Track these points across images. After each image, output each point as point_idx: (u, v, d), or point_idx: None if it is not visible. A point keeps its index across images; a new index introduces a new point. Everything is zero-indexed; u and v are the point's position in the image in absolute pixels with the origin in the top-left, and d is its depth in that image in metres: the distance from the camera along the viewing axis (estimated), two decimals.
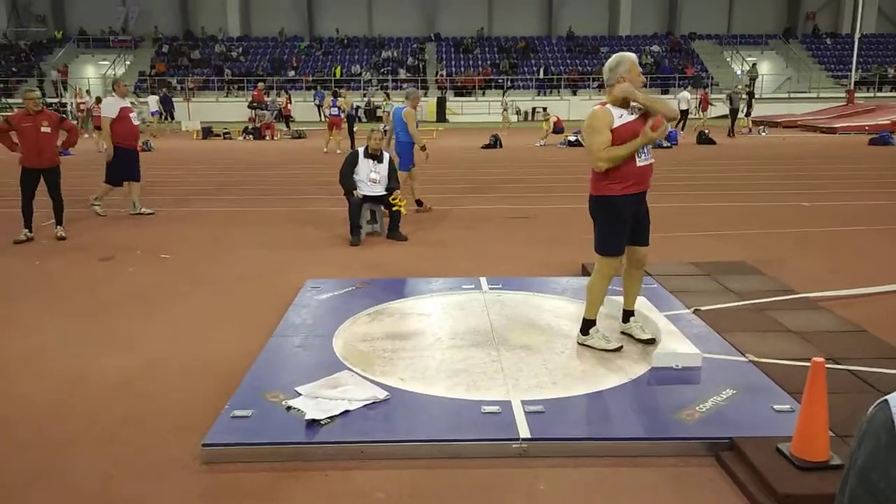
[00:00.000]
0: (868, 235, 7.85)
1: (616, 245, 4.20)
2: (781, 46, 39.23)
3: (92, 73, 36.32)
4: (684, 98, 23.88)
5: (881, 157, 16.82)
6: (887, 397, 0.98)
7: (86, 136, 21.21)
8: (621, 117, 4.03)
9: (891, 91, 34.94)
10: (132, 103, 9.93)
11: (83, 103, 25.01)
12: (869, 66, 36.34)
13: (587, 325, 4.34)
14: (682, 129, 22.80)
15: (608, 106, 4.09)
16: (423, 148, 9.26)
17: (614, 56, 4.16)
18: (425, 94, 34.39)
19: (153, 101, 27.41)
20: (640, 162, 4.03)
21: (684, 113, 23.61)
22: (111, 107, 9.01)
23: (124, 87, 9.49)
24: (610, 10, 41.42)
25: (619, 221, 4.14)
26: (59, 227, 7.85)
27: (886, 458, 0.92)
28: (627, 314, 4.51)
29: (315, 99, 31.39)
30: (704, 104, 26.28)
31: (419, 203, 9.46)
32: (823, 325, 4.65)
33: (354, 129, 19.25)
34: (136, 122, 9.47)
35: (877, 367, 3.89)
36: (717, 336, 4.45)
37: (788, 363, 3.98)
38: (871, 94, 34.01)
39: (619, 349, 4.20)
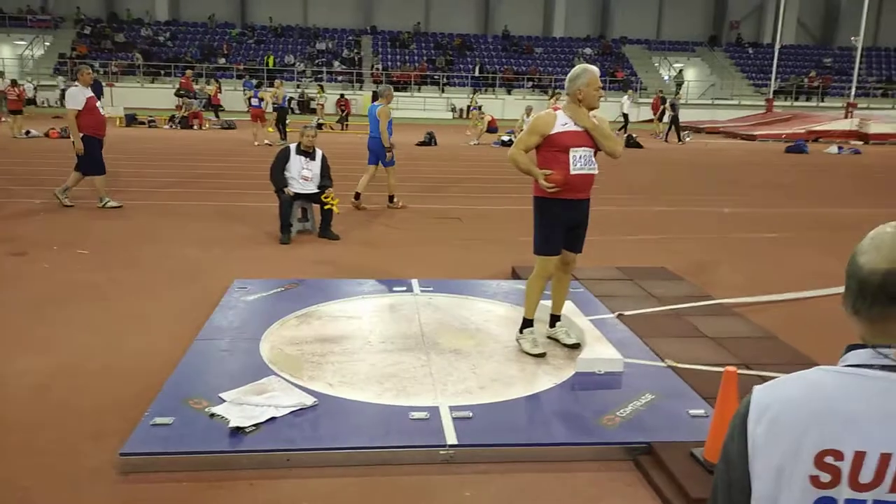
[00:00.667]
0: (782, 242, 8.25)
1: (547, 246, 4.30)
2: (707, 53, 40.72)
3: (7, 52, 34.44)
4: (625, 103, 25.06)
5: (797, 165, 17.70)
6: (754, 387, 1.14)
7: (3, 119, 20.12)
8: (564, 125, 4.13)
9: (806, 101, 36.76)
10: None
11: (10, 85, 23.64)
12: (787, 76, 38.11)
13: (523, 325, 4.46)
14: (625, 132, 23.20)
15: (558, 112, 4.19)
16: (389, 148, 9.41)
17: (577, 67, 4.26)
18: (360, 88, 34.16)
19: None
20: (575, 170, 4.13)
21: (625, 117, 24.62)
22: (76, 97, 8.54)
23: (88, 75, 8.90)
24: (545, 11, 42.03)
25: (550, 223, 4.25)
26: None
27: (733, 428, 1.12)
28: (554, 319, 4.62)
29: (245, 88, 30.61)
30: (655, 109, 26.28)
31: (391, 199, 9.70)
32: (737, 331, 4.87)
33: (287, 122, 18.91)
34: (101, 111, 9.04)
35: (785, 373, 4.10)
36: (638, 341, 4.61)
37: (704, 368, 4.16)
38: (789, 104, 35.70)
39: (541, 355, 4.29)
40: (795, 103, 35.87)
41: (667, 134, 23.89)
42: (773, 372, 4.10)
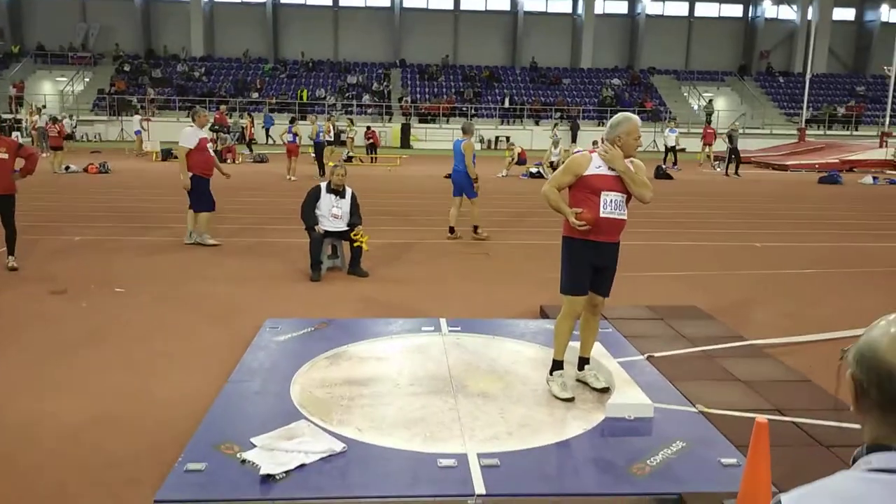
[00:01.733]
0: (816, 278, 8.13)
1: (574, 287, 4.33)
2: (736, 83, 40.59)
3: (49, 89, 35.68)
4: (670, 137, 24.30)
5: (830, 197, 17.46)
6: (781, 496, 1.07)
7: (44, 155, 20.77)
8: (598, 168, 4.20)
9: (841, 129, 36.33)
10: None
11: (35, 122, 24.51)
12: (819, 105, 37.76)
13: (553, 367, 4.46)
14: (675, 166, 23.29)
15: (594, 154, 4.27)
16: (475, 180, 9.82)
17: (619, 114, 4.34)
18: (389, 120, 34.64)
19: (136, 121, 27.04)
20: (604, 213, 4.17)
21: (672, 149, 23.99)
22: (190, 137, 8.90)
23: (204, 117, 9.37)
24: (572, 43, 42.38)
25: (576, 263, 4.29)
26: (10, 256, 7.67)
27: None
28: (583, 361, 4.60)
29: (265, 123, 30.88)
30: (709, 138, 26.26)
31: (475, 230, 10.12)
32: (770, 374, 4.80)
33: (325, 156, 19.12)
34: (212, 153, 9.41)
35: (819, 419, 4.03)
36: (668, 385, 4.56)
37: (736, 414, 4.10)
38: (822, 132, 35.31)
39: (570, 400, 4.28)
40: (828, 132, 35.47)
41: (727, 167, 22.73)
42: (807, 418, 4.03)
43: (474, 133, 10.33)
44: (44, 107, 27.28)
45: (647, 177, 4.33)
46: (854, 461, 1.14)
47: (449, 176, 19.83)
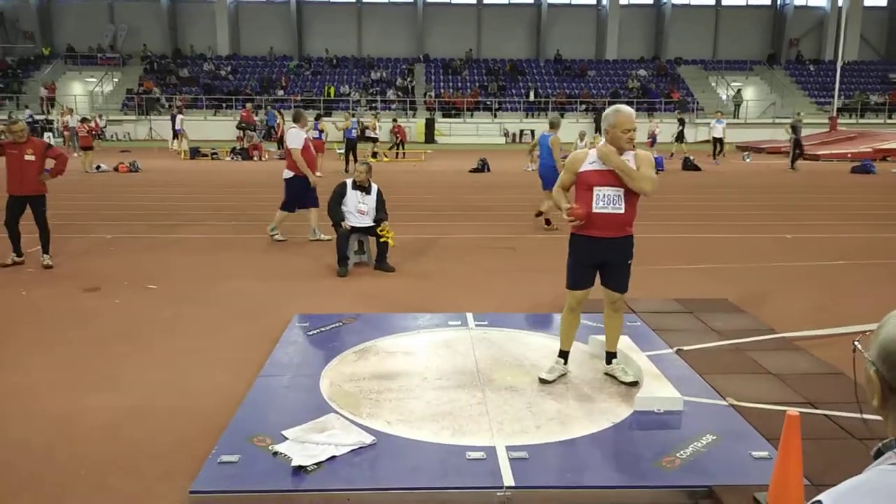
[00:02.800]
0: (848, 270, 7.99)
1: (572, 280, 4.45)
2: (766, 72, 39.91)
3: (79, 89, 36.30)
4: (716, 127, 23.37)
5: (863, 187, 17.12)
6: (821, 497, 1.06)
7: (75, 154, 21.18)
8: (592, 163, 4.25)
9: (874, 118, 35.57)
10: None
11: (67, 123, 24.96)
12: (851, 93, 37.00)
13: (559, 354, 4.58)
14: (723, 155, 23.47)
15: (591, 150, 4.29)
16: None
17: (611, 107, 4.36)
18: (413, 116, 34.67)
19: (179, 121, 27.39)
20: (597, 209, 4.21)
21: (720, 141, 23.30)
22: (297, 138, 9.11)
23: (306, 119, 9.65)
24: (597, 34, 41.99)
25: (575, 258, 4.41)
26: (45, 255, 7.84)
27: None
28: (610, 356, 4.60)
29: (268, 121, 30.05)
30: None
31: (543, 219, 10.40)
32: (801, 367, 4.74)
33: (357, 151, 19.22)
34: (313, 152, 9.65)
35: (852, 412, 3.98)
36: (698, 378, 4.53)
37: (767, 407, 4.07)
38: (854, 121, 34.61)
39: (546, 382, 4.41)
40: (861, 120, 34.76)
41: (792, 160, 21.78)
42: (839, 412, 3.98)
43: (561, 126, 10.62)
44: (72, 109, 27.69)
45: (651, 168, 4.24)
46: (878, 455, 1.13)
47: (473, 170, 19.95)
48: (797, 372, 4.64)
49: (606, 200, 4.19)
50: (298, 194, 9.25)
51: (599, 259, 4.35)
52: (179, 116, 27.25)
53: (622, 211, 4.22)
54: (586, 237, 4.28)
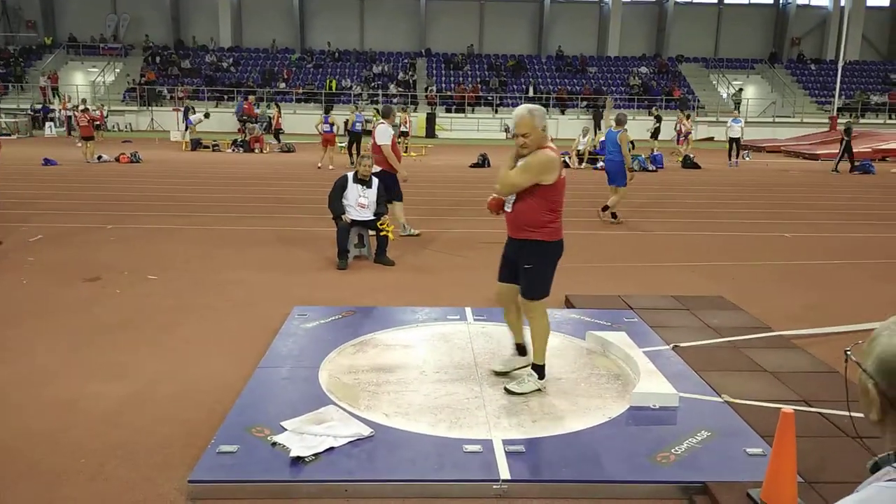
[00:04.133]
0: (846, 270, 8.02)
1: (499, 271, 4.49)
2: (767, 71, 39.89)
3: (81, 79, 36.23)
4: (735, 128, 22.11)
5: (862, 187, 17.14)
6: None
7: (78, 144, 21.20)
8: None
9: (874, 118, 35.57)
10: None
11: (76, 109, 24.91)
12: (852, 93, 36.98)
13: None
14: (738, 157, 22.23)
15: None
16: (630, 170, 10.38)
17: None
18: (415, 110, 34.63)
19: (195, 115, 27.32)
20: (505, 209, 4.30)
21: (737, 141, 22.08)
22: (385, 134, 9.07)
23: (395, 115, 9.68)
24: (599, 31, 41.94)
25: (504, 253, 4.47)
26: None
27: None
28: (518, 347, 4.59)
29: (236, 111, 29.08)
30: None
31: (610, 213, 10.72)
32: (797, 365, 4.78)
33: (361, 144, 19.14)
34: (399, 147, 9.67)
35: (846, 411, 4.00)
36: (694, 374, 4.57)
37: (762, 404, 4.10)
38: (854, 121, 34.58)
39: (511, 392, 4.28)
40: (861, 120, 34.75)
41: (837, 163, 21.09)
42: (833, 409, 4.01)
43: (627, 123, 10.86)
44: (84, 100, 27.60)
45: (526, 172, 4.09)
46: (874, 469, 1.12)
47: (474, 165, 19.95)
48: (792, 370, 4.67)
49: (507, 201, 4.25)
50: (396, 184, 9.19)
51: (510, 256, 4.37)
52: (198, 114, 27.26)
53: (510, 210, 4.24)
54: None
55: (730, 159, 22.08)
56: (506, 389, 4.25)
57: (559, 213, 4.22)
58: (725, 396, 4.22)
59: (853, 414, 3.64)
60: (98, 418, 3.92)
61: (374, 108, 28.67)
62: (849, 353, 1.15)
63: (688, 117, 24.48)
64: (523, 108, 4.17)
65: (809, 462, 3.38)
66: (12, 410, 4.02)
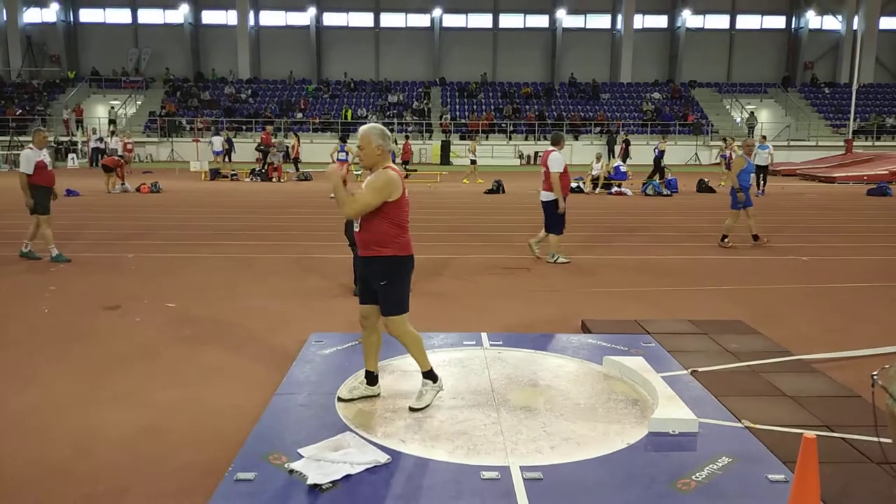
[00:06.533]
0: (865, 293, 7.94)
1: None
2: (780, 95, 39.90)
3: (103, 112, 36.97)
4: (763, 154, 19.83)
5: (879, 209, 17.00)
6: None
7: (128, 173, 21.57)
8: None
9: (890, 140, 35.38)
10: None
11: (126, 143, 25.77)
12: (867, 116, 36.84)
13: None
14: (765, 185, 20.45)
15: None
16: (739, 191, 10.58)
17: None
18: (429, 138, 34.93)
19: (217, 142, 27.91)
20: None
21: (765, 169, 20.17)
22: (558, 161, 9.22)
23: (564, 141, 9.64)
24: (611, 58, 42.23)
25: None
26: None
27: None
28: (369, 375, 4.58)
29: (210, 143, 29.40)
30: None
31: (755, 238, 10.92)
32: (818, 389, 4.72)
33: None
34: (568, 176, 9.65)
35: (869, 436, 3.95)
36: (713, 399, 4.52)
37: (783, 430, 4.05)
38: (870, 144, 34.44)
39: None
40: (877, 143, 34.58)
41: None
42: (857, 434, 3.95)
43: (749, 148, 11.44)
44: (112, 132, 28.27)
45: (370, 192, 4.16)
46: None
47: (489, 192, 20.04)
48: (813, 394, 4.62)
49: (356, 221, 4.31)
50: (561, 215, 9.36)
51: (365, 276, 4.40)
52: (217, 138, 27.87)
53: (358, 229, 4.31)
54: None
55: (757, 188, 19.71)
56: (410, 409, 4.34)
57: (406, 229, 4.36)
58: (745, 422, 4.17)
59: (882, 440, 3.60)
60: (115, 447, 3.94)
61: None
62: (875, 378, 1.14)
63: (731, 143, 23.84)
64: (369, 126, 4.36)
65: (833, 489, 3.33)
66: (27, 440, 4.04)
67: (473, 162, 24.18)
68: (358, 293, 4.58)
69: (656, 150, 23.06)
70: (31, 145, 9.29)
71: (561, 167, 9.22)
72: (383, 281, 4.31)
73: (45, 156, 9.27)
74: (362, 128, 4.35)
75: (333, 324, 6.41)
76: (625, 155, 27.02)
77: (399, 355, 5.35)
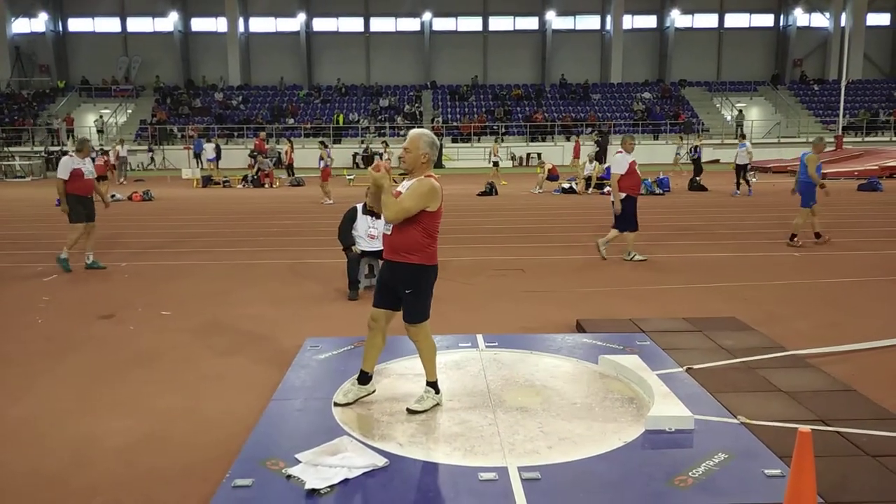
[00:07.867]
0: (857, 287, 7.98)
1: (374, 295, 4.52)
2: (770, 92, 40.09)
3: (93, 121, 36.84)
4: (742, 153, 19.37)
5: (870, 204, 17.09)
6: None
7: (122, 181, 21.45)
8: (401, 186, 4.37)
9: (880, 136, 35.58)
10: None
11: (118, 153, 26.02)
12: (856, 112, 37.05)
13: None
14: (749, 186, 19.65)
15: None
16: (823, 185, 10.57)
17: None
18: None
19: (210, 149, 27.96)
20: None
21: (744, 168, 19.50)
22: (623, 163, 9.27)
23: (631, 144, 9.55)
24: (601, 58, 42.36)
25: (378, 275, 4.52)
26: None
27: None
28: (364, 375, 4.57)
29: (195, 148, 30.09)
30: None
31: (818, 235, 10.91)
32: (813, 384, 4.74)
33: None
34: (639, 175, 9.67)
35: (865, 429, 3.97)
36: (709, 397, 4.54)
37: (779, 425, 4.06)
38: (860, 139, 34.63)
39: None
40: (866, 139, 34.77)
41: None
42: (852, 428, 3.98)
43: (821, 149, 11.01)
44: (122, 140, 28.28)
45: (412, 199, 4.15)
46: None
47: (481, 194, 20.07)
48: (808, 389, 4.64)
49: (387, 224, 4.29)
50: (633, 213, 9.43)
51: (388, 280, 4.40)
52: (210, 145, 28.04)
53: (389, 233, 4.30)
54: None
55: (737, 188, 19.43)
56: (407, 410, 4.33)
57: (436, 239, 4.37)
58: (741, 418, 4.18)
59: (876, 432, 3.62)
60: (112, 456, 3.93)
61: (384, 141, 28.96)
62: None
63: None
64: (420, 131, 4.37)
65: (829, 482, 3.34)
66: (23, 451, 4.03)
67: (496, 164, 24.09)
68: (373, 295, 4.55)
69: (694, 150, 23.34)
70: (72, 152, 9.43)
71: (623, 169, 9.26)
72: (409, 289, 4.31)
73: (84, 164, 9.30)
74: (413, 131, 4.34)
75: (328, 329, 6.41)
76: (598, 157, 25.63)
77: (395, 358, 5.36)
